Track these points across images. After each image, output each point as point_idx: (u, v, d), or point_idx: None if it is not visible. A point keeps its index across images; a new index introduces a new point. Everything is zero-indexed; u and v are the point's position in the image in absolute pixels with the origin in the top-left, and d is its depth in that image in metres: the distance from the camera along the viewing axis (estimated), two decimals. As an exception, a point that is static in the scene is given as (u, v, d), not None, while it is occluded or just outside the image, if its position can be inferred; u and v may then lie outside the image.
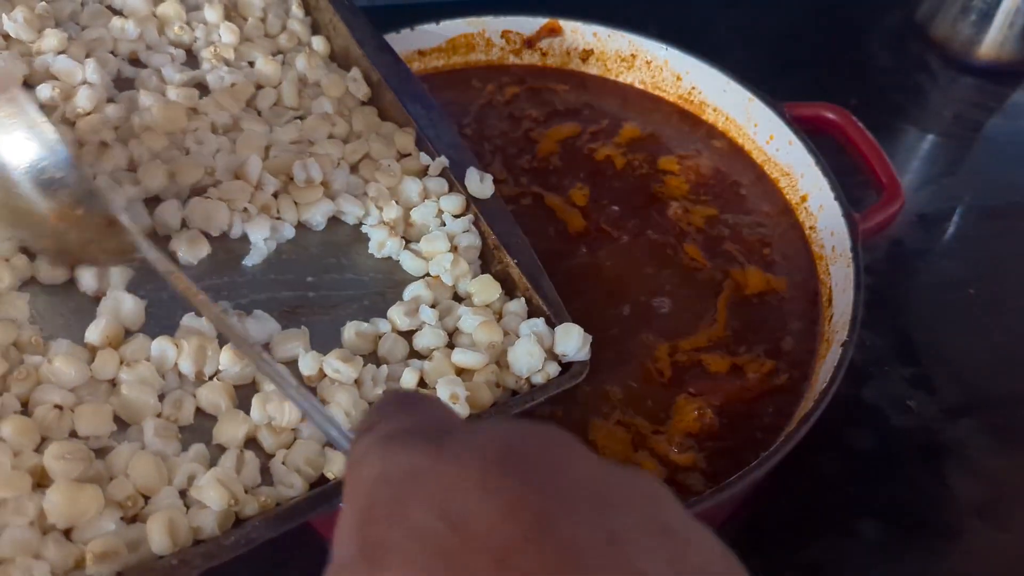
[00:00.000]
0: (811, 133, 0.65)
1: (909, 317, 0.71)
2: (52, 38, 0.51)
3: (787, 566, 0.56)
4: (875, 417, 0.64)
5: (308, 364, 0.44)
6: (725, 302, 0.58)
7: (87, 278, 0.43)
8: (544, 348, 0.47)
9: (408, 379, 0.45)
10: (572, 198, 0.64)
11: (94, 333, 0.41)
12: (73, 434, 0.39)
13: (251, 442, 0.41)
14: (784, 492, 0.58)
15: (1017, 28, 0.91)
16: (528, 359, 0.46)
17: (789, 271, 0.61)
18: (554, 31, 0.74)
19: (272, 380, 0.39)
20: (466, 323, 0.47)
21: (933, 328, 0.70)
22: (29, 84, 0.49)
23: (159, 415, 0.41)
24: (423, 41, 0.73)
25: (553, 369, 0.47)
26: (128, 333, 0.43)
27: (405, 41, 0.72)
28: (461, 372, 0.46)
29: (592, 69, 0.75)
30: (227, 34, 0.56)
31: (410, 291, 0.49)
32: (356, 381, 0.44)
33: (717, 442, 0.51)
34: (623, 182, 0.66)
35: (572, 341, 0.47)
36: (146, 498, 0.38)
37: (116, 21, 0.54)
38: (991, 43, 0.93)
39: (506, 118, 0.71)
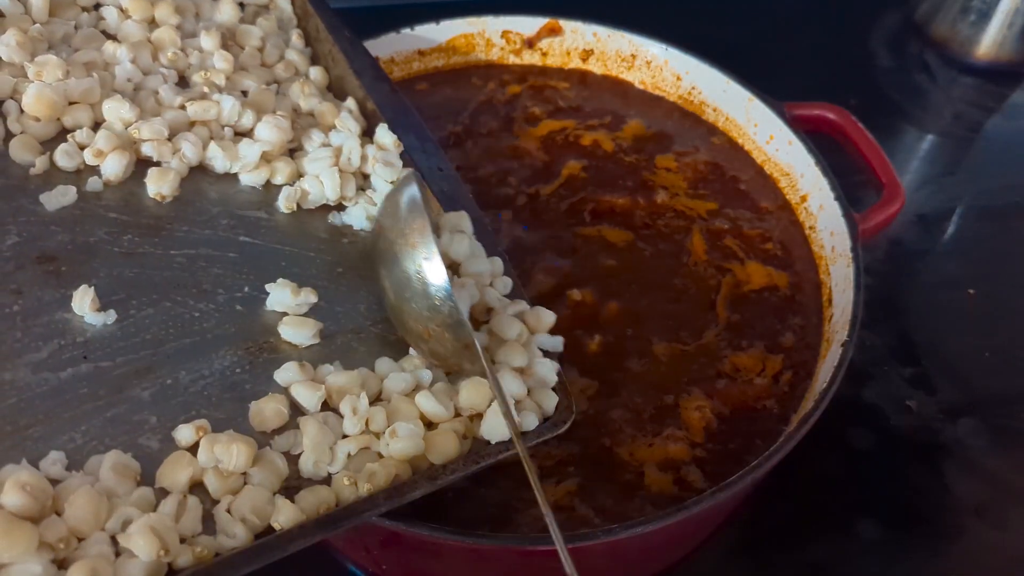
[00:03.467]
0: (811, 133, 0.65)
1: (909, 317, 0.71)
2: (55, 67, 0.50)
3: (787, 566, 0.56)
4: (875, 417, 0.64)
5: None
6: (724, 299, 0.58)
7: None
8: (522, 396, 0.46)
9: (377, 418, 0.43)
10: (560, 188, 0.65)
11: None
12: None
13: (198, 486, 0.39)
14: (784, 492, 0.58)
15: (1016, 28, 0.91)
16: (499, 426, 0.44)
17: (790, 268, 0.61)
18: (554, 31, 0.74)
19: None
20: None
21: (933, 328, 0.70)
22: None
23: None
24: (423, 41, 0.73)
25: (531, 422, 0.45)
26: None
27: (405, 41, 0.72)
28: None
29: (592, 69, 0.75)
30: (220, 61, 0.56)
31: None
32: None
33: (717, 443, 0.51)
34: (615, 167, 0.67)
35: (550, 401, 0.46)
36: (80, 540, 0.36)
37: (109, 46, 0.54)
38: (990, 43, 0.93)
39: (502, 116, 0.71)
